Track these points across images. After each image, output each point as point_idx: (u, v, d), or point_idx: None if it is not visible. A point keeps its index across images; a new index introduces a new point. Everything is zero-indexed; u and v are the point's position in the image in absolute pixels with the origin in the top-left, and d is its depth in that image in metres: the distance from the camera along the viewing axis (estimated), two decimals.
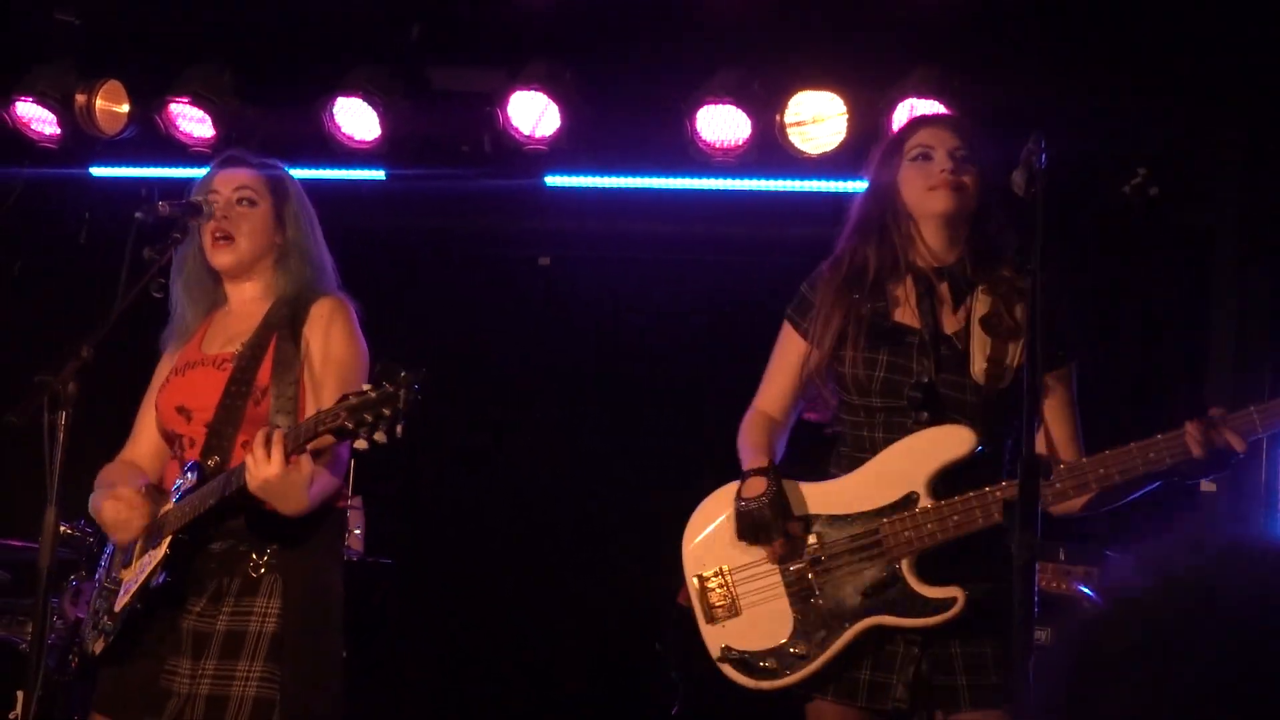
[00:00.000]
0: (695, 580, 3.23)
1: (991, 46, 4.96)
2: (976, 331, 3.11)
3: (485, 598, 6.01)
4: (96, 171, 5.88)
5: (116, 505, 3.29)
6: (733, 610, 3.17)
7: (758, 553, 3.15)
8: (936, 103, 4.89)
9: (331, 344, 3.33)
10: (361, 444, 2.92)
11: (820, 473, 3.27)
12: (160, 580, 3.18)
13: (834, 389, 3.23)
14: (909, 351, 3.11)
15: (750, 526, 3.12)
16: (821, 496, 3.16)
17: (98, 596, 3.39)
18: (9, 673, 4.69)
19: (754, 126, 5.11)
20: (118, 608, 3.26)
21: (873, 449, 3.14)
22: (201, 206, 3.40)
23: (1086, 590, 4.26)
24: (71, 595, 4.87)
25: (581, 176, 5.60)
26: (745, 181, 5.42)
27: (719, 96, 5.08)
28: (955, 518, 3.00)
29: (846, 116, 5.05)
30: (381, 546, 5.42)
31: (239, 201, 3.41)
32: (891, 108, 4.94)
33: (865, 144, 5.03)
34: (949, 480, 3.04)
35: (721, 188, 5.49)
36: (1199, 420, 2.90)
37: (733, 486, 3.26)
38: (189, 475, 3.25)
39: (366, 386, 2.93)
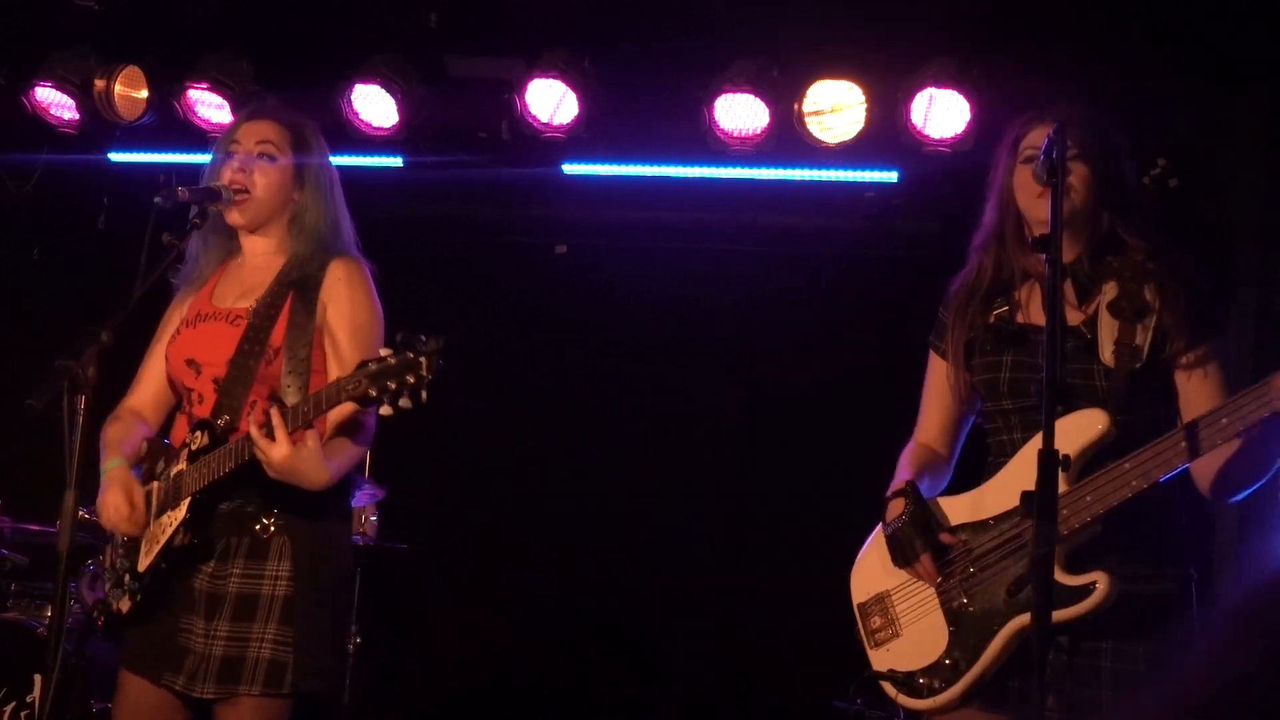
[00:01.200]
0: (857, 609, 3.22)
1: (1010, 36, 4.95)
2: (1104, 317, 3.04)
3: (500, 584, 6.03)
4: (115, 157, 5.89)
5: (122, 505, 3.30)
6: (893, 632, 3.14)
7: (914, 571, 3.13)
8: (955, 93, 4.88)
9: (348, 306, 3.33)
10: (386, 410, 2.94)
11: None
12: (183, 540, 3.21)
13: (978, 402, 3.21)
14: (1034, 349, 3.05)
15: (898, 549, 3.09)
16: (965, 506, 3.12)
17: (117, 555, 3.40)
18: (28, 656, 4.71)
19: (772, 115, 5.09)
20: (142, 567, 3.29)
21: (1013, 451, 3.09)
22: (220, 192, 3.40)
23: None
24: (90, 579, 4.89)
25: (599, 165, 5.59)
26: (763, 170, 5.41)
27: (737, 85, 5.07)
28: (1088, 496, 2.89)
29: (865, 106, 5.03)
30: (395, 532, 5.43)
31: (259, 155, 3.41)
32: (910, 97, 4.92)
33: (883, 134, 5.04)
34: (1096, 466, 2.93)
35: (739, 176, 5.48)
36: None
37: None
38: (199, 434, 3.27)
39: (386, 352, 2.95)
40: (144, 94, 5.59)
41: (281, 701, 3.19)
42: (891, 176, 5.36)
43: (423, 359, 2.92)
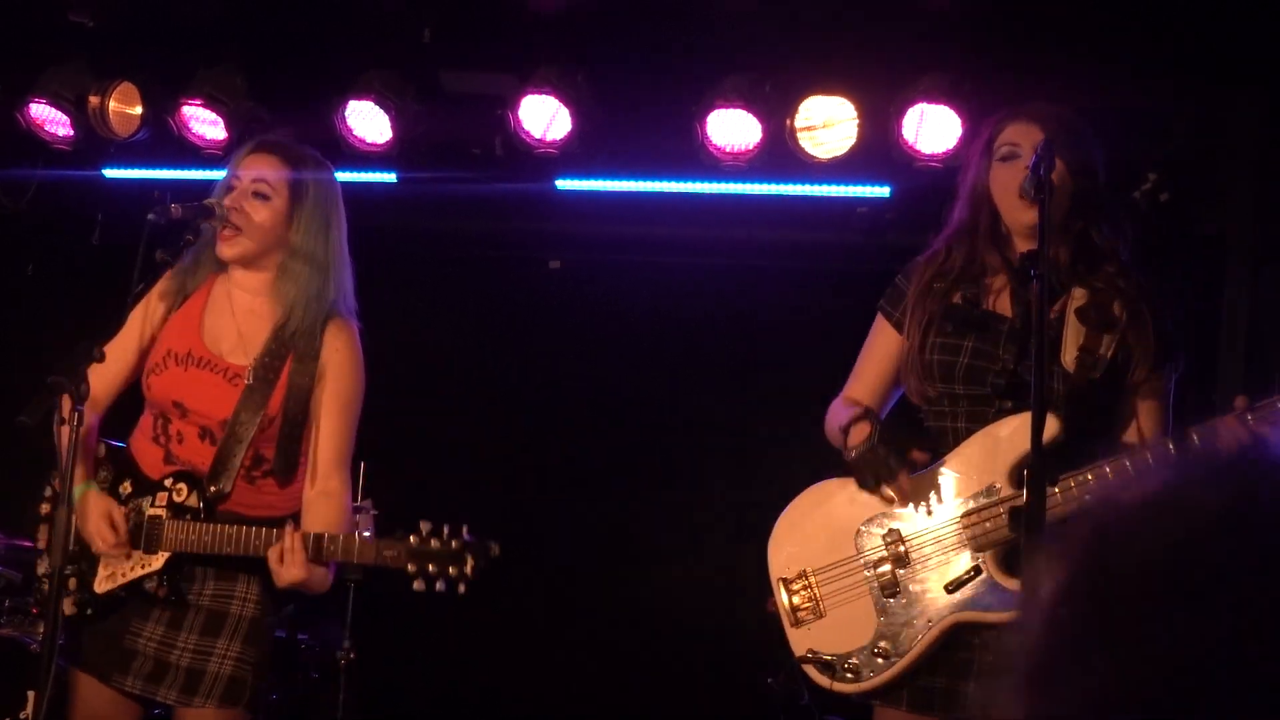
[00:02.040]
0: (779, 584, 3.19)
1: (1001, 51, 4.96)
2: (1071, 321, 3.04)
3: (495, 599, 6.01)
4: (109, 173, 5.90)
5: (109, 536, 3.33)
6: (816, 612, 3.13)
7: (841, 553, 3.10)
8: (947, 108, 4.89)
9: (342, 383, 3.40)
10: (419, 586, 3.10)
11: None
12: (159, 590, 3.31)
13: (919, 381, 3.16)
14: (996, 339, 3.04)
15: (869, 468, 3.03)
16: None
17: (73, 559, 3.36)
18: (21, 673, 4.70)
19: (764, 131, 5.11)
20: (99, 589, 3.35)
21: (955, 440, 3.07)
22: (214, 209, 3.41)
23: None
24: None
25: (592, 180, 5.61)
26: (755, 186, 5.42)
27: (730, 100, 5.08)
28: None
29: (857, 121, 5.05)
30: None
31: (253, 194, 3.42)
32: (902, 112, 4.94)
33: (875, 149, 5.05)
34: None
35: (732, 192, 5.49)
36: (1232, 413, 2.84)
37: (814, 489, 3.22)
38: (184, 488, 3.30)
39: (425, 529, 3.10)
40: (138, 110, 5.60)
41: (237, 713, 3.34)
42: (884, 192, 5.37)
43: (469, 556, 3.10)
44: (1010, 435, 2.97)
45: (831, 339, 5.83)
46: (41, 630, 3.84)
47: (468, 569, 3.03)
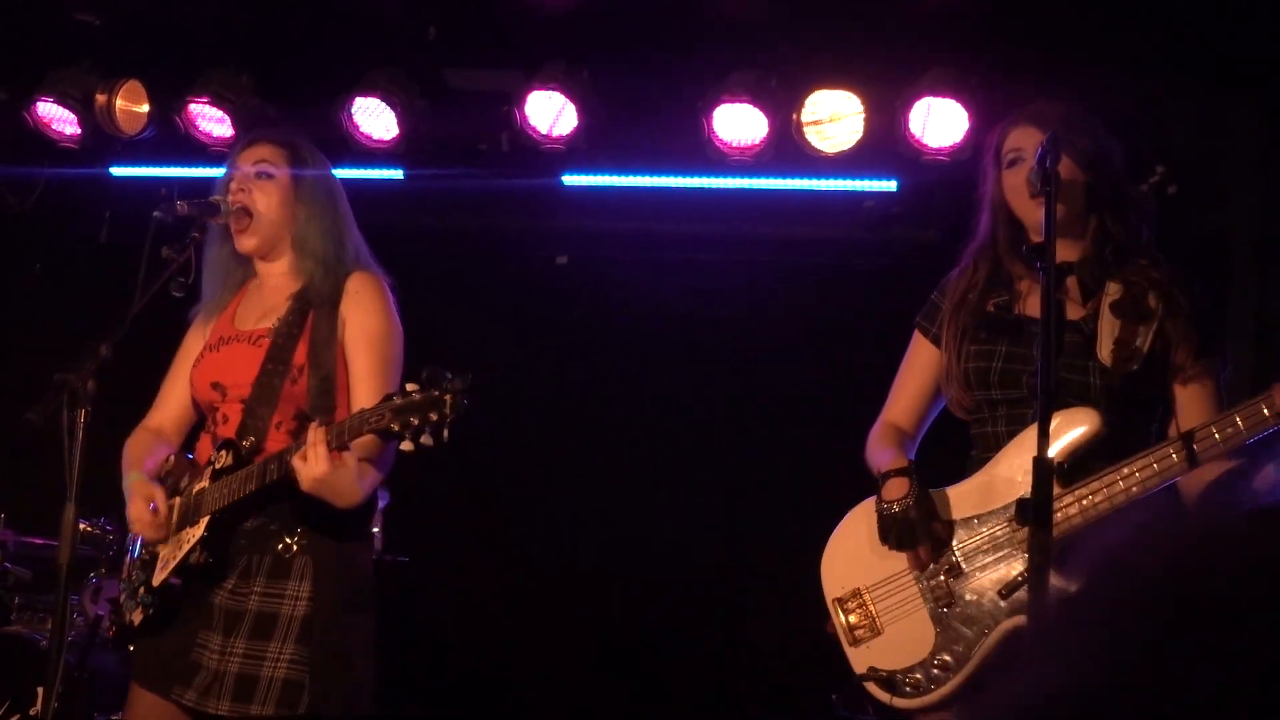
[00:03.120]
0: (835, 605, 3.16)
1: (1007, 45, 4.95)
2: (1106, 316, 3.02)
3: (501, 597, 6.03)
4: (116, 171, 5.91)
5: (146, 515, 3.32)
6: (873, 629, 3.09)
7: (892, 567, 3.06)
8: (954, 101, 4.88)
9: (366, 321, 3.34)
10: (408, 445, 2.94)
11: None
12: (200, 558, 3.22)
13: (959, 391, 3.16)
14: (1029, 341, 3.02)
15: (895, 530, 3.01)
16: (952, 500, 3.07)
17: (134, 568, 3.42)
18: (31, 669, 4.72)
19: (771, 125, 5.11)
20: (156, 582, 3.31)
21: (997, 445, 3.06)
22: (220, 205, 3.42)
23: None
24: (92, 592, 4.91)
25: (599, 176, 5.61)
26: (762, 180, 5.42)
27: (736, 95, 5.08)
28: (1085, 500, 2.88)
29: (863, 115, 5.04)
30: (398, 545, 5.44)
31: (257, 175, 3.44)
32: (908, 106, 4.93)
33: (881, 143, 5.05)
34: (1080, 467, 2.91)
35: (738, 187, 5.49)
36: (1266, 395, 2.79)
37: (863, 507, 3.18)
38: (224, 454, 3.28)
39: (411, 387, 2.94)
40: (145, 108, 5.61)
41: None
42: (890, 186, 5.37)
43: (447, 397, 2.91)
44: (1052, 434, 2.95)
45: (838, 333, 5.86)
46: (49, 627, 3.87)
47: (446, 409, 2.91)
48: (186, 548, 3.26)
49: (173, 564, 3.28)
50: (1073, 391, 2.98)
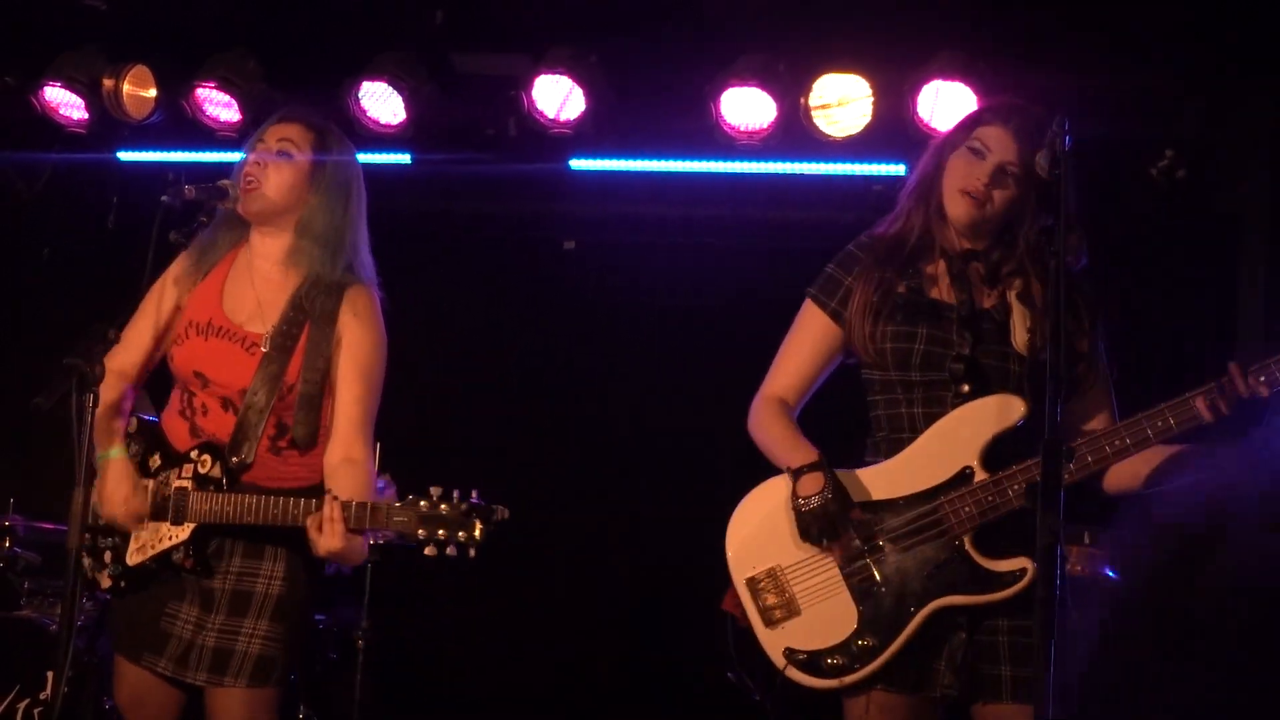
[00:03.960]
0: (745, 584, 3.16)
1: (1017, 28, 4.94)
2: (1015, 305, 3.10)
3: (509, 579, 6.03)
4: (124, 156, 5.92)
5: (132, 504, 3.36)
6: (790, 610, 3.09)
7: (810, 548, 3.07)
8: (963, 85, 4.87)
9: (359, 347, 3.39)
10: (431, 551, 3.10)
11: (855, 460, 3.21)
12: (183, 560, 3.32)
13: (865, 370, 3.20)
14: (948, 326, 3.08)
15: (815, 526, 3.04)
16: (871, 482, 3.10)
17: (106, 533, 3.43)
18: (40, 654, 4.73)
19: (779, 109, 5.10)
20: (131, 561, 3.38)
21: (912, 427, 3.09)
22: (228, 190, 3.42)
23: (1111, 574, 4.24)
24: None
25: (606, 160, 5.60)
26: (770, 165, 5.41)
27: (743, 79, 5.07)
28: (1015, 487, 2.96)
29: (871, 99, 5.03)
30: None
31: (278, 153, 3.45)
32: (916, 90, 4.92)
33: (890, 127, 5.03)
34: (997, 453, 3.00)
35: (746, 171, 5.48)
36: (1205, 388, 2.93)
37: (772, 484, 3.19)
38: (207, 459, 3.33)
39: (436, 492, 3.09)
40: (152, 93, 5.61)
41: (269, 691, 3.35)
42: (899, 170, 5.34)
43: (476, 521, 3.09)
44: (978, 419, 3.02)
45: None
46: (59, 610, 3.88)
47: (476, 533, 3.03)
48: (168, 544, 3.33)
49: (151, 552, 3.35)
50: (994, 378, 3.05)
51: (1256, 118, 5.09)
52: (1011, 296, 3.12)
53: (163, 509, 3.35)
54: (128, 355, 3.50)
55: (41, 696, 4.66)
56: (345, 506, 3.15)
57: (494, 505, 3.07)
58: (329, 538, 3.13)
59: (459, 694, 6.03)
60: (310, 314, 3.38)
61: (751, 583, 3.15)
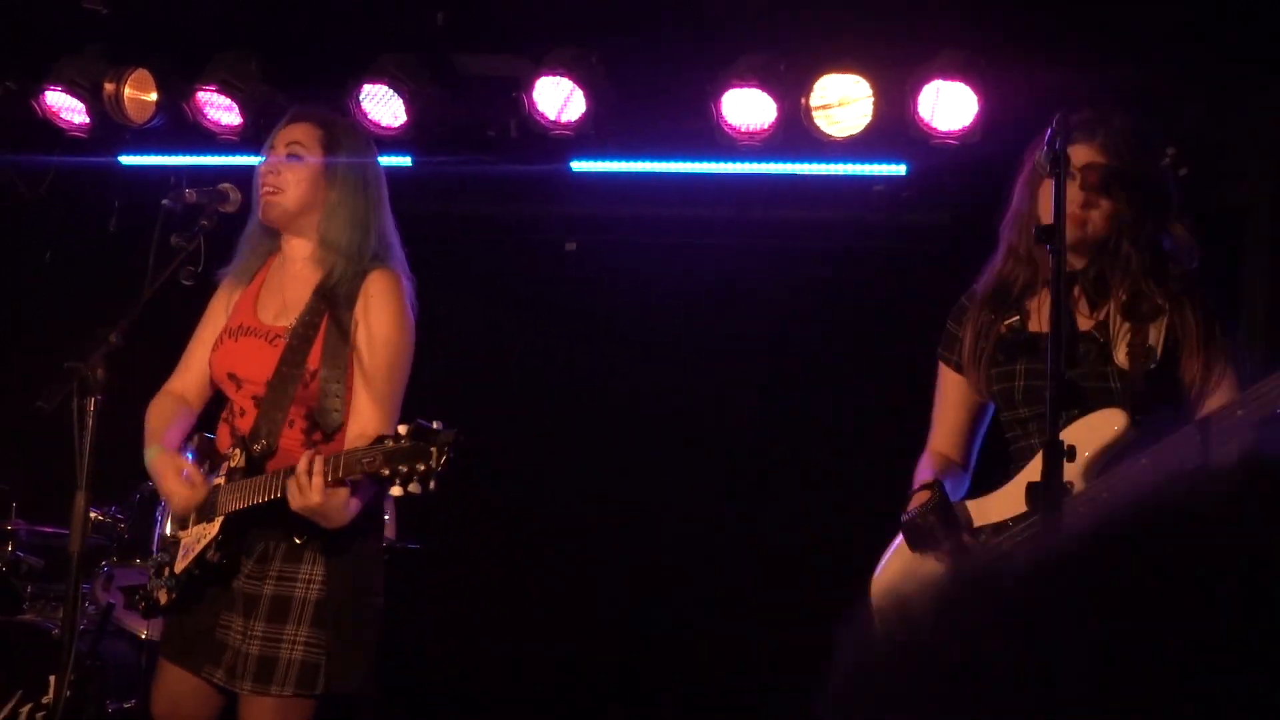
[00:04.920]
0: (876, 614, 3.20)
1: (1017, 27, 4.93)
2: (1116, 320, 3.07)
3: (511, 584, 6.03)
4: (125, 160, 5.92)
5: (183, 489, 3.37)
6: None
7: (930, 577, 3.12)
8: (963, 85, 4.86)
9: (379, 326, 3.35)
10: (397, 491, 3.01)
11: None
12: (214, 558, 3.31)
13: (998, 412, 3.23)
14: (1044, 356, 3.00)
15: (916, 536, 3.09)
16: (990, 506, 3.13)
17: (162, 545, 3.52)
18: (43, 658, 4.73)
19: (779, 110, 5.09)
20: (178, 569, 3.40)
21: (1033, 457, 3.08)
22: (228, 193, 3.43)
23: None
24: (104, 580, 4.91)
25: (607, 161, 5.60)
26: (771, 165, 5.41)
27: (744, 80, 5.06)
28: (1105, 494, 2.90)
29: (872, 99, 5.03)
30: (408, 531, 5.44)
31: (288, 156, 3.44)
32: (917, 90, 4.91)
33: (891, 127, 5.03)
34: (1109, 467, 2.94)
35: (747, 172, 5.48)
36: None
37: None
38: (237, 453, 3.34)
39: (403, 430, 3.00)
40: (153, 97, 5.61)
41: (310, 701, 3.30)
42: (900, 170, 5.35)
43: (433, 449, 2.98)
44: (1078, 436, 2.95)
45: (846, 317, 5.85)
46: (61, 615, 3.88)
47: (433, 461, 2.97)
48: (203, 543, 3.34)
49: (193, 555, 3.37)
50: (1096, 400, 3.01)
51: (1258, 116, 5.09)
52: (1114, 311, 3.08)
53: (206, 510, 3.37)
54: (183, 379, 3.57)
55: (44, 701, 4.66)
56: (324, 460, 3.11)
57: (448, 430, 2.98)
58: (307, 493, 3.08)
59: (459, 694, 6.03)
60: (332, 302, 3.37)
61: (880, 611, 3.18)
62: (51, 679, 3.79)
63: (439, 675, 6.00)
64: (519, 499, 6.11)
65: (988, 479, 3.27)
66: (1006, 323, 3.16)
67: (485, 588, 6.05)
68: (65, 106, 5.67)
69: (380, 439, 3.03)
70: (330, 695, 3.32)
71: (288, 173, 3.42)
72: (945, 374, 3.31)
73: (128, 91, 5.60)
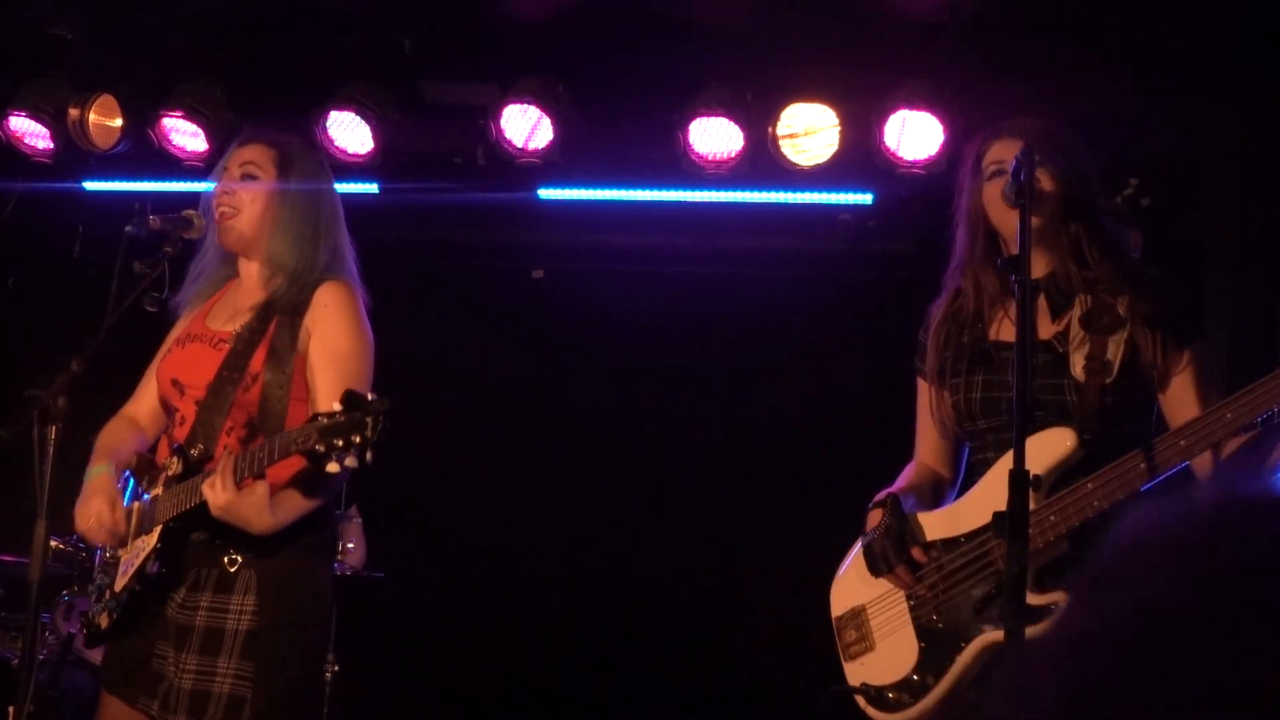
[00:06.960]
0: (834, 621, 3.22)
1: (982, 57, 4.97)
2: (1076, 331, 3.02)
3: (478, 611, 6.00)
4: (90, 186, 5.88)
5: (103, 521, 3.31)
6: (867, 645, 3.14)
7: (883, 585, 3.11)
8: (929, 114, 4.90)
9: (331, 334, 3.31)
10: (334, 467, 2.92)
11: None
12: (154, 569, 3.23)
13: (953, 425, 3.19)
14: (1003, 367, 3.04)
15: (873, 559, 3.10)
16: (939, 522, 3.11)
17: (100, 571, 3.44)
18: (2, 687, 4.67)
19: (746, 139, 5.11)
20: (119, 587, 3.32)
21: (987, 472, 3.10)
22: (192, 220, 3.41)
23: None
24: (64, 610, 4.86)
25: (574, 189, 5.60)
26: (738, 194, 5.43)
27: (711, 109, 5.08)
28: (1052, 516, 2.87)
29: (839, 128, 5.05)
30: (374, 560, 5.41)
31: (242, 177, 3.43)
32: (883, 119, 4.94)
33: (857, 156, 5.05)
34: (1065, 483, 2.90)
35: (714, 200, 5.49)
36: None
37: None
38: (175, 461, 3.27)
39: (337, 407, 2.92)
40: (118, 122, 5.58)
41: None
42: (866, 199, 5.38)
43: (368, 419, 2.89)
44: (1030, 456, 2.94)
45: (814, 345, 5.86)
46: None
47: (369, 431, 2.88)
48: (142, 556, 3.26)
49: (132, 571, 3.29)
50: (1051, 411, 2.97)
51: (1224, 142, 5.13)
52: (1075, 321, 3.04)
53: (144, 524, 3.30)
54: (138, 404, 3.55)
55: None
56: (236, 455, 3.06)
57: (377, 399, 2.89)
58: (218, 491, 3.02)
59: (459, 694, 5.99)
60: (280, 309, 3.34)
61: (839, 620, 3.22)
62: (11, 709, 3.74)
63: (435, 677, 5.96)
64: (485, 527, 6.09)
65: None
66: (970, 332, 3.14)
67: (455, 615, 6.01)
68: (29, 132, 5.63)
69: (314, 416, 2.96)
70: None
71: (243, 193, 3.41)
72: (921, 386, 3.30)
73: (92, 117, 5.57)
